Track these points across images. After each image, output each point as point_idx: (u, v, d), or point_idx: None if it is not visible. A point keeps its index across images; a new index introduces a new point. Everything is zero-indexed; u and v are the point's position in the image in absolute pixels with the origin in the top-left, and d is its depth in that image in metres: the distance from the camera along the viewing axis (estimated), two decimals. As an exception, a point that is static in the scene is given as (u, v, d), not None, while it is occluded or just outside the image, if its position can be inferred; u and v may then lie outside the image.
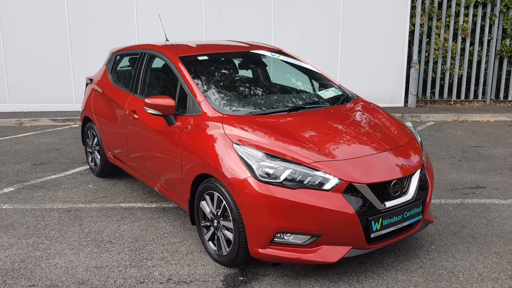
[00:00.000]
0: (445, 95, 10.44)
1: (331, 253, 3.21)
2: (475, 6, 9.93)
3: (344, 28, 9.82)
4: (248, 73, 4.69)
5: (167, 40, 5.59)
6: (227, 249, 3.51)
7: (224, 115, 3.69)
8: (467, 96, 10.50)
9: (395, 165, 3.44)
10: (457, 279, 3.43)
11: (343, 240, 3.21)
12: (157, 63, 4.68)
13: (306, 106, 4.08)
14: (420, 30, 9.97)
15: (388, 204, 3.30)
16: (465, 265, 3.63)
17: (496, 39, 9.99)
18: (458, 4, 9.97)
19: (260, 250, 3.25)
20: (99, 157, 5.63)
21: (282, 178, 3.18)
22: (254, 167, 3.23)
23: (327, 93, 4.41)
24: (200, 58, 4.43)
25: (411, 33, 9.97)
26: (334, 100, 4.32)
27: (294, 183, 3.17)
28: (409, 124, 4.20)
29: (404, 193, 3.42)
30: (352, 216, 3.14)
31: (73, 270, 3.62)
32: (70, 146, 7.37)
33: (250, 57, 4.82)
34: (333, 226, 3.16)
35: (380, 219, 3.26)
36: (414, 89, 9.94)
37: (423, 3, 9.93)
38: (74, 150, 7.10)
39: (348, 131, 3.68)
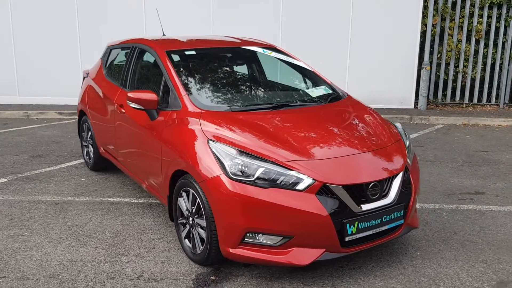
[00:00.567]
0: (457, 98, 10.17)
1: (303, 256, 3.10)
2: (490, 7, 9.64)
3: (353, 27, 9.64)
4: (236, 69, 4.60)
5: (164, 34, 5.54)
6: (201, 248, 3.43)
7: (203, 111, 3.62)
8: (480, 99, 10.21)
9: (375, 167, 3.31)
10: (437, 288, 3.29)
11: (315, 242, 3.10)
12: (147, 57, 4.63)
13: (291, 104, 3.98)
14: (432, 30, 9.74)
15: (365, 207, 3.17)
16: (449, 273, 3.47)
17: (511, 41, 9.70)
18: (472, 5, 9.69)
19: (230, 250, 3.17)
20: (92, 150, 5.63)
21: (254, 176, 3.09)
22: (226, 164, 3.15)
23: (316, 91, 4.29)
24: (187, 52, 4.37)
25: (423, 33, 9.74)
26: (322, 98, 4.21)
27: (267, 182, 3.08)
28: (398, 125, 4.06)
29: (384, 196, 3.28)
30: (325, 218, 3.02)
31: (47, 263, 3.59)
32: (70, 140, 7.40)
33: (240, 53, 4.73)
34: (305, 228, 3.05)
35: (356, 222, 3.14)
36: (425, 91, 9.71)
37: (435, 3, 9.69)
38: (74, 144, 7.12)
39: (330, 130, 3.56)
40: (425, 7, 9.62)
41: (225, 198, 3.10)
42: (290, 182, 3.08)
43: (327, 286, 3.28)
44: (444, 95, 10.25)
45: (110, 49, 5.50)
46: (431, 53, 9.97)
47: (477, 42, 9.88)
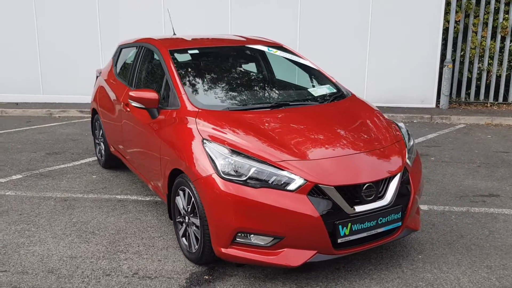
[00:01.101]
0: (481, 96, 9.87)
1: (294, 257, 3.06)
2: (517, 3, 9.31)
3: (373, 24, 9.48)
4: (239, 68, 4.58)
5: (174, 34, 5.57)
6: (196, 247, 3.44)
7: (200, 110, 3.62)
8: (505, 98, 9.88)
9: (371, 168, 3.24)
10: (435, 293, 3.20)
11: (307, 243, 3.06)
12: (152, 56, 4.66)
13: (290, 103, 3.93)
14: (455, 27, 9.47)
15: (359, 208, 3.10)
16: (449, 278, 3.37)
17: (540, 38, 9.34)
18: (497, 1, 9.38)
19: (222, 250, 3.16)
20: (104, 148, 5.72)
21: (246, 176, 3.07)
22: (218, 164, 3.14)
23: (319, 90, 4.24)
24: (190, 52, 4.38)
25: (445, 30, 9.49)
26: (324, 97, 4.15)
27: (258, 182, 3.05)
28: (401, 125, 3.95)
29: (380, 197, 3.21)
30: (316, 219, 2.98)
31: (47, 258, 3.66)
32: (87, 138, 7.54)
33: (244, 51, 4.72)
34: (296, 229, 3.01)
35: (349, 224, 3.08)
36: (447, 90, 9.46)
37: (459, -1, 9.43)
38: (90, 142, 7.25)
39: (327, 130, 3.50)
40: (448, 4, 9.37)
41: (216, 197, 3.10)
42: (282, 182, 3.05)
43: (320, 289, 3.24)
44: (468, 94, 9.97)
45: (120, 48, 5.58)
46: (454, 50, 9.70)
47: (503, 39, 9.56)
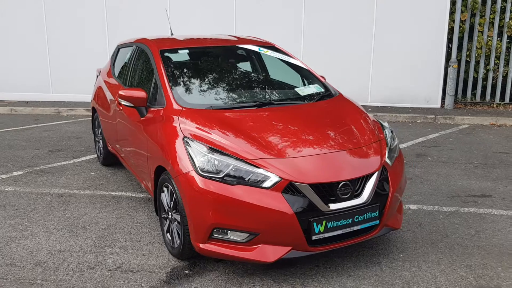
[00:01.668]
0: (488, 97, 9.78)
1: (269, 253, 3.13)
2: (524, 2, 9.20)
3: (378, 24, 9.46)
4: (228, 68, 4.64)
5: (172, 34, 5.67)
6: (178, 242, 3.52)
7: (183, 109, 3.70)
8: (512, 98, 9.78)
9: (347, 166, 3.28)
10: (410, 291, 3.22)
11: (281, 240, 3.11)
12: (145, 56, 4.75)
13: (275, 102, 3.99)
14: (460, 27, 9.40)
15: (334, 206, 3.15)
16: (426, 277, 3.39)
17: (547, 38, 9.22)
18: (504, 0, 9.28)
19: (201, 245, 3.24)
20: (102, 146, 5.85)
21: (223, 173, 3.14)
22: (196, 161, 3.22)
23: (306, 90, 4.28)
24: (180, 51, 4.47)
25: (451, 30, 9.42)
26: (311, 97, 4.19)
27: (235, 179, 3.12)
28: (386, 124, 3.98)
29: (356, 196, 3.25)
30: (290, 216, 3.03)
31: (36, 251, 3.79)
32: (91, 135, 7.69)
33: (234, 51, 4.79)
34: (270, 225, 3.07)
35: (324, 221, 3.13)
36: (452, 90, 9.39)
37: (464, -2, 9.35)
38: (92, 139, 7.38)
39: (307, 129, 3.55)
40: (453, 3, 9.31)
41: (194, 193, 3.18)
42: (258, 180, 3.11)
43: (297, 284, 3.29)
44: (474, 94, 9.88)
45: (118, 48, 5.70)
46: (460, 50, 9.63)
47: (510, 38, 9.46)
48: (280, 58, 4.71)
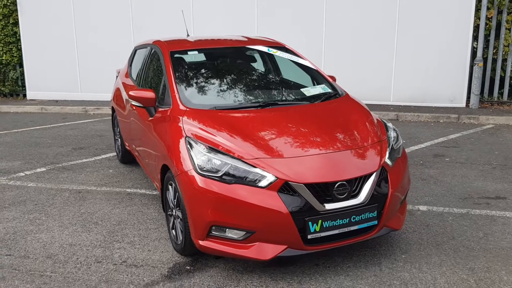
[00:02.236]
0: (516, 96, 9.51)
1: (265, 251, 3.19)
2: (554, -2, 8.89)
3: (400, 21, 9.34)
4: (236, 68, 4.72)
5: (188, 35, 5.79)
6: (181, 238, 3.63)
7: (187, 109, 3.80)
8: (542, 98, 9.46)
9: (344, 166, 3.30)
10: (406, 292, 3.22)
11: (277, 238, 3.17)
12: (158, 57, 4.89)
13: (279, 103, 4.04)
14: (487, 24, 9.17)
15: (330, 206, 3.18)
16: (426, 278, 3.38)
17: None
18: (533, -4, 9.00)
19: (200, 242, 3.33)
20: (120, 144, 6.04)
21: (221, 172, 3.22)
22: (196, 160, 3.31)
23: (312, 90, 4.31)
24: (190, 53, 4.57)
25: (477, 28, 9.20)
26: (316, 97, 4.22)
27: (233, 178, 3.20)
28: (390, 125, 3.97)
29: (353, 196, 3.27)
30: (285, 215, 3.09)
31: (49, 245, 3.97)
32: (112, 134, 7.92)
33: (243, 52, 4.85)
34: (266, 224, 3.13)
35: (320, 221, 3.16)
36: (477, 89, 9.18)
37: (491, -5, 9.11)
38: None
39: (307, 129, 3.59)
40: (479, 0, 9.08)
41: (193, 192, 3.27)
42: (255, 179, 3.17)
43: (294, 282, 3.34)
44: (501, 93, 9.62)
45: (135, 50, 5.87)
46: (487, 48, 9.39)
47: (539, 36, 9.16)
48: (289, 58, 4.75)
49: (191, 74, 4.40)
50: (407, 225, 4.25)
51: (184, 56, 4.59)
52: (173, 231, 3.84)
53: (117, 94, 5.90)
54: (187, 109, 3.80)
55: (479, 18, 9.14)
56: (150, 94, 4.12)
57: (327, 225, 3.19)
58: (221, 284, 3.32)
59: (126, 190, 5.27)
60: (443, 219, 4.39)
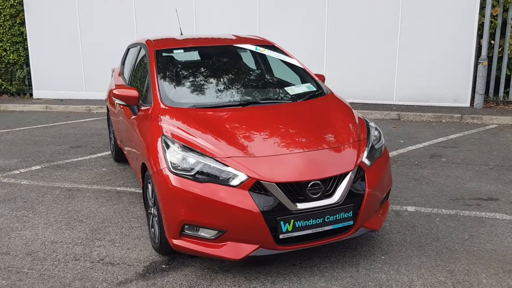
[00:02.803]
0: (522, 95, 9.31)
1: (237, 250, 3.16)
2: (561, -5, 8.69)
3: (404, 20, 9.22)
4: (221, 67, 4.69)
5: (181, 34, 5.79)
6: (158, 237, 3.62)
7: (167, 107, 3.80)
8: (549, 97, 9.26)
9: (318, 166, 3.25)
10: (380, 293, 3.17)
11: (249, 238, 3.14)
12: (144, 56, 4.90)
13: (261, 101, 4.01)
14: (492, 23, 9.00)
15: (303, 206, 3.14)
16: (402, 280, 3.32)
17: None
18: (539, -7, 8.81)
19: (174, 241, 3.32)
20: (114, 142, 6.07)
21: (194, 171, 3.20)
22: (169, 158, 3.30)
23: (296, 89, 4.27)
24: (175, 51, 4.57)
25: (481, 26, 9.04)
26: (299, 96, 4.18)
27: (206, 177, 3.18)
28: (372, 124, 3.91)
29: (328, 195, 3.22)
30: (256, 215, 3.06)
31: (31, 242, 4.00)
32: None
33: (230, 51, 4.83)
34: (237, 223, 3.10)
35: (292, 221, 3.13)
36: (481, 88, 9.02)
37: (496, -7, 8.94)
38: (112, 136, 7.67)
39: (285, 128, 3.56)
40: (484, -2, 8.93)
41: (167, 190, 3.26)
42: (227, 178, 3.15)
43: (267, 282, 3.31)
44: (507, 93, 9.44)
45: (128, 48, 5.89)
46: (492, 47, 9.22)
47: (546, 34, 8.96)
48: (276, 57, 4.72)
49: (175, 73, 4.39)
50: (391, 225, 4.19)
51: (172, 55, 4.58)
52: (152, 229, 3.83)
53: (110, 93, 5.93)
54: (167, 107, 3.80)
55: (484, 16, 8.98)
56: (133, 92, 4.12)
57: (300, 225, 3.16)
58: (193, 283, 3.31)
59: (116, 189, 5.29)
60: (430, 220, 4.31)
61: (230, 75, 4.50)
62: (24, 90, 11.80)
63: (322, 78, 4.76)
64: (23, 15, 11.14)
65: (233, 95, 4.19)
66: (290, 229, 3.14)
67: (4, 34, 11.35)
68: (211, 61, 4.72)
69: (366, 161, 3.46)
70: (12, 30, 11.33)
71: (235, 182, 3.13)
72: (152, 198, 3.64)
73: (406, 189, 5.10)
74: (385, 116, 8.92)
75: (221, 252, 3.19)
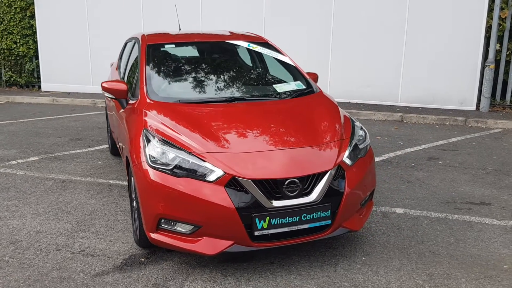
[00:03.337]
0: (529, 100, 9.15)
1: (211, 246, 3.16)
2: None
3: (410, 21, 9.12)
4: (212, 62, 4.69)
5: (180, 29, 5.81)
6: (138, 230, 3.64)
7: (152, 102, 3.81)
8: (557, 103, 9.08)
9: (296, 164, 3.23)
10: (355, 294, 3.14)
11: (223, 234, 3.14)
12: (137, 50, 4.92)
13: (247, 98, 4.00)
14: (500, 25, 8.85)
15: (279, 203, 3.13)
16: (379, 282, 3.29)
17: None
18: (550, -4, 8.64)
19: (151, 235, 3.32)
20: (110, 135, 6.11)
21: (172, 166, 3.21)
22: (148, 152, 3.31)
23: (285, 87, 4.26)
24: (167, 46, 4.58)
25: (489, 28, 8.90)
26: (287, 93, 4.16)
27: (183, 171, 3.18)
28: (357, 124, 3.87)
29: (305, 194, 3.20)
30: (230, 210, 3.05)
31: (17, 231, 4.05)
32: (113, 126, 8.04)
33: (222, 46, 4.82)
34: (213, 219, 3.10)
35: (267, 218, 3.12)
36: (487, 92, 8.88)
37: (505, -5, 8.79)
38: (113, 130, 7.73)
39: (266, 125, 3.55)
40: (492, 0, 8.78)
41: (144, 184, 3.27)
42: (204, 173, 3.15)
43: (243, 279, 3.30)
44: (514, 97, 9.28)
45: (125, 43, 5.93)
46: (500, 50, 9.07)
47: (555, 38, 8.79)
48: (268, 54, 4.70)
49: (164, 68, 4.40)
50: (377, 227, 4.15)
51: (163, 50, 4.59)
52: (134, 222, 3.85)
53: (107, 87, 5.96)
54: (152, 102, 3.81)
55: (492, 18, 8.83)
56: (121, 86, 4.15)
57: (276, 223, 3.14)
58: (169, 277, 3.31)
59: (108, 182, 5.33)
60: (417, 223, 4.26)
61: (219, 71, 4.50)
62: (33, 82, 11.95)
63: (314, 76, 4.73)
64: (33, 8, 11.28)
65: (219, 91, 4.19)
66: (265, 226, 3.13)
67: (15, 26, 11.50)
68: (201, 57, 4.73)
69: (347, 161, 3.42)
70: (22, 23, 11.48)
71: (211, 177, 3.12)
72: (134, 191, 3.66)
73: (398, 191, 5.04)
74: (388, 117, 8.84)
75: (197, 247, 3.19)
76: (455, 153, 6.56)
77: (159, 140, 3.34)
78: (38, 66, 11.74)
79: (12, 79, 11.90)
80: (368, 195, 3.65)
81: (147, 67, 4.22)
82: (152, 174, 3.23)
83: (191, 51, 4.77)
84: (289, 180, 3.14)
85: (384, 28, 9.30)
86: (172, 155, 3.23)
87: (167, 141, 3.32)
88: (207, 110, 3.71)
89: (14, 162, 6.06)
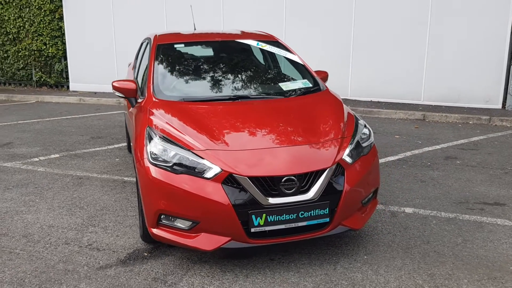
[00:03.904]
0: (559, 98, 8.82)
1: (209, 242, 3.21)
2: None
3: (433, 18, 8.95)
4: (221, 61, 4.73)
5: (195, 29, 5.89)
6: (141, 225, 3.72)
7: (157, 100, 3.89)
8: None
9: (293, 161, 3.24)
10: (351, 293, 3.13)
11: (220, 230, 3.18)
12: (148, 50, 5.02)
13: (251, 97, 4.04)
14: (528, 21, 8.57)
15: (275, 200, 3.14)
16: (378, 281, 3.26)
17: None
18: None
19: (153, 230, 3.40)
20: (127, 134, 6.25)
21: (171, 162, 3.28)
22: (149, 149, 3.39)
23: (291, 85, 4.26)
24: (176, 46, 4.66)
25: (516, 24, 8.63)
26: (293, 92, 4.17)
27: (183, 168, 3.24)
28: (361, 122, 3.84)
29: (303, 191, 3.21)
30: (227, 207, 3.09)
31: (31, 225, 4.21)
32: (134, 125, 8.21)
33: (230, 46, 4.86)
34: (209, 215, 3.15)
35: (264, 215, 3.14)
36: (514, 90, 8.62)
37: (534, -11, 8.50)
38: (133, 129, 7.90)
39: (268, 123, 3.57)
40: (519, -5, 8.52)
41: (146, 180, 3.35)
42: (202, 170, 3.20)
43: (241, 275, 3.34)
44: (543, 95, 8.96)
45: (141, 43, 6.04)
46: (527, 46, 8.79)
47: None
48: (277, 53, 4.72)
49: (171, 67, 4.48)
50: (383, 226, 4.11)
51: (173, 49, 4.68)
52: (140, 218, 3.94)
53: (124, 86, 6.11)
54: (157, 100, 3.89)
55: (518, 14, 8.56)
56: (130, 85, 4.25)
57: (272, 220, 3.16)
58: (169, 272, 3.38)
59: (123, 179, 5.46)
60: (426, 223, 4.19)
61: (226, 70, 4.54)
62: (62, 82, 12.33)
63: (324, 74, 4.71)
64: (62, 11, 11.63)
65: (224, 90, 4.23)
66: (262, 223, 3.15)
67: (44, 28, 11.89)
68: (209, 56, 4.78)
69: (347, 159, 3.41)
70: (51, 25, 11.86)
71: (209, 174, 3.17)
72: (137, 187, 3.74)
73: (409, 190, 4.97)
74: (410, 116, 8.70)
75: (194, 243, 3.24)
76: (474, 152, 6.41)
77: (160, 137, 3.41)
78: (66, 66, 12.10)
79: (42, 80, 12.31)
80: (371, 193, 3.62)
81: (155, 66, 4.31)
82: (153, 171, 3.30)
83: (200, 51, 4.84)
84: (286, 178, 3.15)
85: (406, 26, 9.16)
86: (172, 152, 3.30)
87: (168, 139, 3.39)
88: (210, 108, 3.76)
89: (36, 159, 6.28)
